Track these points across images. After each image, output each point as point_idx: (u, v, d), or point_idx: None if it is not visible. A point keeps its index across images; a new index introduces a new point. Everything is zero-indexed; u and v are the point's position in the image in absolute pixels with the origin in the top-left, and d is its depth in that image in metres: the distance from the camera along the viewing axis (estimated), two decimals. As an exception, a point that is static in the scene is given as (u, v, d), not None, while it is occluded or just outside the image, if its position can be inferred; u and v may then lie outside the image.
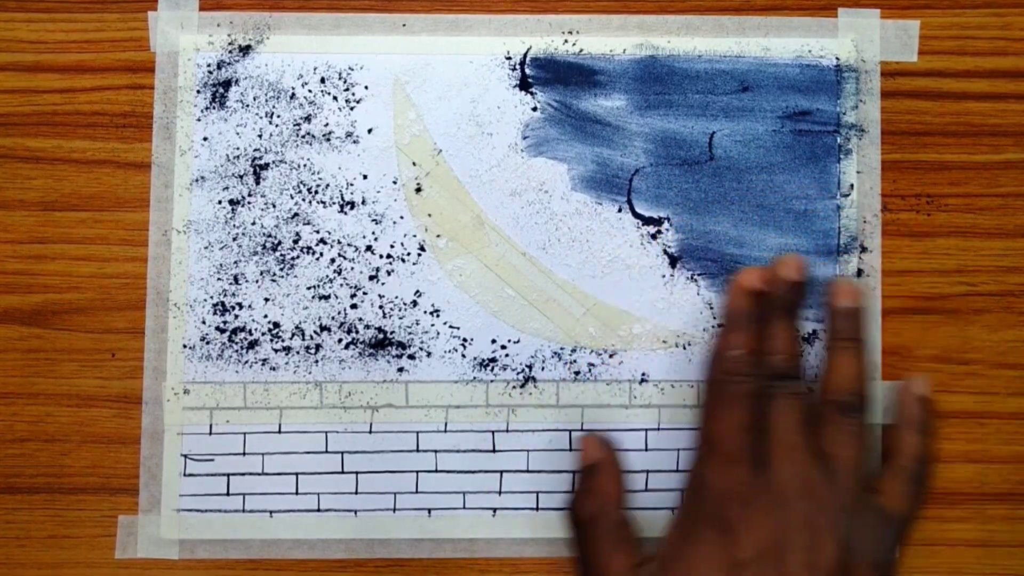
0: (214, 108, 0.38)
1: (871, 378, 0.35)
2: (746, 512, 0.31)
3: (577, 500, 0.35)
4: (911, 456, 0.34)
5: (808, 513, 0.31)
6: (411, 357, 0.37)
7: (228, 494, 0.37)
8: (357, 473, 0.37)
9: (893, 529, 0.33)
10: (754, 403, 0.33)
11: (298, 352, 0.37)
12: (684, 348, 0.38)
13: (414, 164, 0.38)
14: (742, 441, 0.32)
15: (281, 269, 0.38)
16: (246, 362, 0.37)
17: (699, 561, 0.31)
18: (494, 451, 0.37)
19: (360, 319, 0.37)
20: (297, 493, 0.37)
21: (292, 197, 0.38)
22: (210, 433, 0.37)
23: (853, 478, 0.32)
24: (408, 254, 0.38)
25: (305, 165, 0.38)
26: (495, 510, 0.37)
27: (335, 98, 0.38)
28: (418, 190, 0.38)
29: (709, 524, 0.32)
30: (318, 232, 0.38)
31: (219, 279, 0.37)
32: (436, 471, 0.37)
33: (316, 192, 0.38)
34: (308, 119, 0.38)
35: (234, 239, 0.38)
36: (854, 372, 0.34)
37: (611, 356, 0.37)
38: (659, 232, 0.38)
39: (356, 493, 0.37)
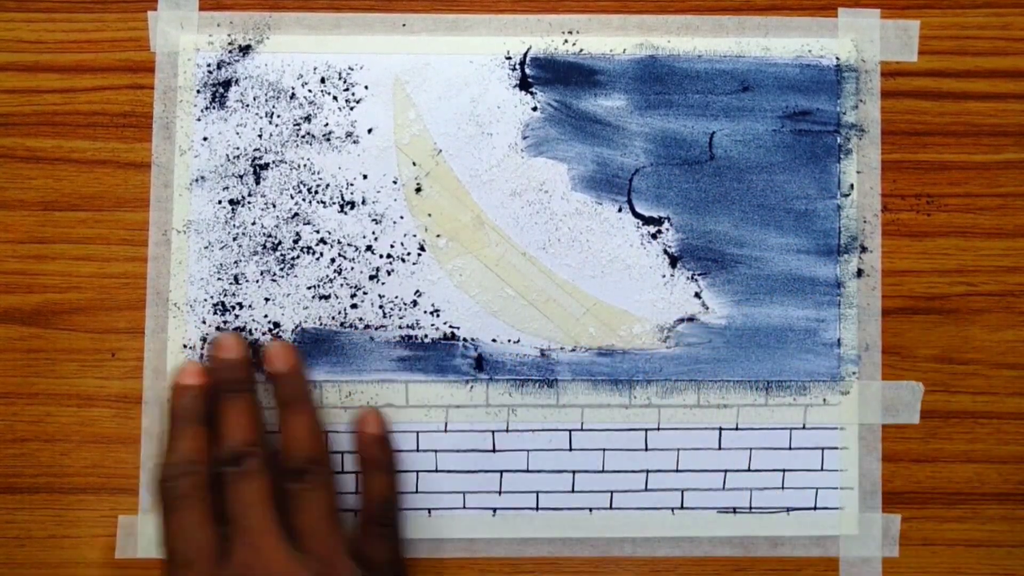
0: (214, 108, 0.38)
1: (324, 434, 0.35)
2: None
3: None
4: (377, 501, 0.34)
5: None
6: (412, 357, 0.37)
7: (228, 494, 0.37)
8: (357, 473, 0.37)
9: (379, 573, 0.33)
10: (206, 498, 0.32)
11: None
12: (683, 348, 0.38)
13: (414, 164, 0.38)
14: (196, 540, 0.31)
15: (281, 269, 0.38)
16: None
17: None
18: (494, 451, 0.37)
19: (360, 319, 0.37)
20: (297, 493, 0.37)
21: (292, 197, 0.38)
22: (210, 433, 0.37)
23: (324, 542, 0.32)
24: (408, 254, 0.38)
25: (305, 165, 0.38)
26: (495, 510, 0.37)
27: (335, 98, 0.38)
28: (418, 190, 0.38)
29: None
30: (318, 232, 0.38)
31: (219, 279, 0.37)
32: (436, 471, 0.37)
33: (316, 192, 0.38)
34: (308, 119, 0.38)
35: (234, 239, 0.38)
36: (303, 434, 0.34)
37: (611, 356, 0.38)
38: (659, 232, 0.38)
39: (356, 493, 0.37)
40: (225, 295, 0.37)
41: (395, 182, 0.38)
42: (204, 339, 0.37)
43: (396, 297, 0.38)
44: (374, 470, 0.35)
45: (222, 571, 0.31)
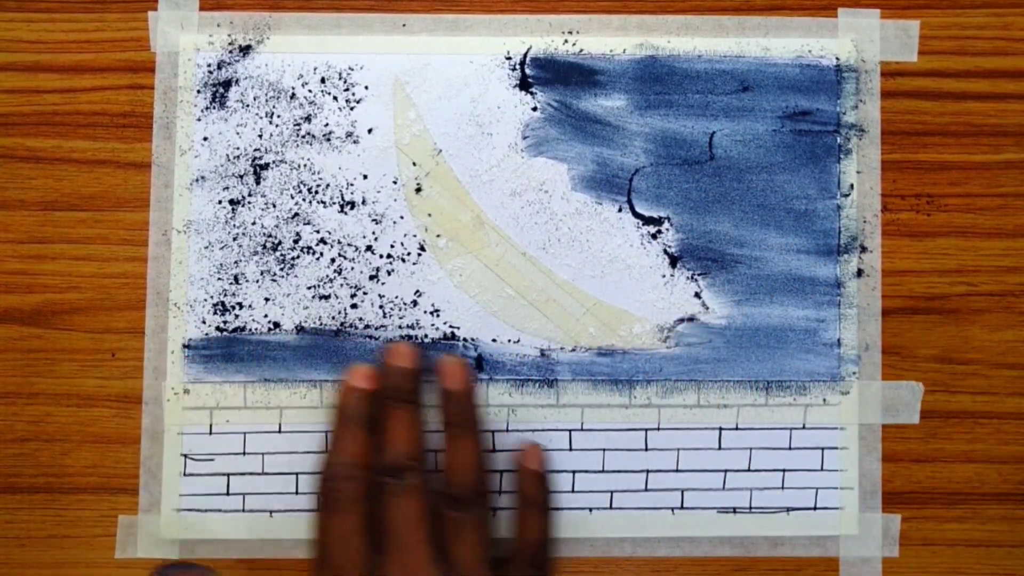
0: (214, 108, 0.38)
1: (487, 462, 0.34)
2: None
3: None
4: (528, 539, 0.34)
5: None
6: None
7: (228, 494, 0.37)
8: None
9: None
10: (365, 506, 0.32)
11: (298, 352, 0.37)
12: (683, 348, 0.38)
13: (414, 164, 0.38)
14: (352, 549, 0.31)
15: (281, 269, 0.38)
16: (246, 362, 0.37)
17: None
18: (494, 451, 0.37)
19: (360, 319, 0.37)
20: (297, 493, 0.37)
21: (292, 197, 0.38)
22: (210, 433, 0.37)
23: (474, 573, 0.32)
24: (408, 254, 0.38)
25: (305, 165, 0.38)
26: (495, 510, 0.37)
27: (335, 98, 0.38)
28: (418, 190, 0.38)
29: None
30: (318, 232, 0.38)
31: (219, 279, 0.37)
32: (436, 471, 0.37)
33: (316, 192, 0.38)
34: (308, 119, 0.38)
35: (234, 239, 0.38)
36: (467, 461, 0.33)
37: (611, 356, 0.38)
38: (659, 232, 0.38)
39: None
40: (225, 295, 0.37)
41: (395, 182, 0.38)
42: (204, 339, 0.37)
43: (396, 297, 0.38)
44: (532, 509, 0.34)
45: None
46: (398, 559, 0.31)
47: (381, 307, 0.38)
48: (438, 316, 0.38)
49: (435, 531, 0.32)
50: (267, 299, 0.37)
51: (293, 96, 0.38)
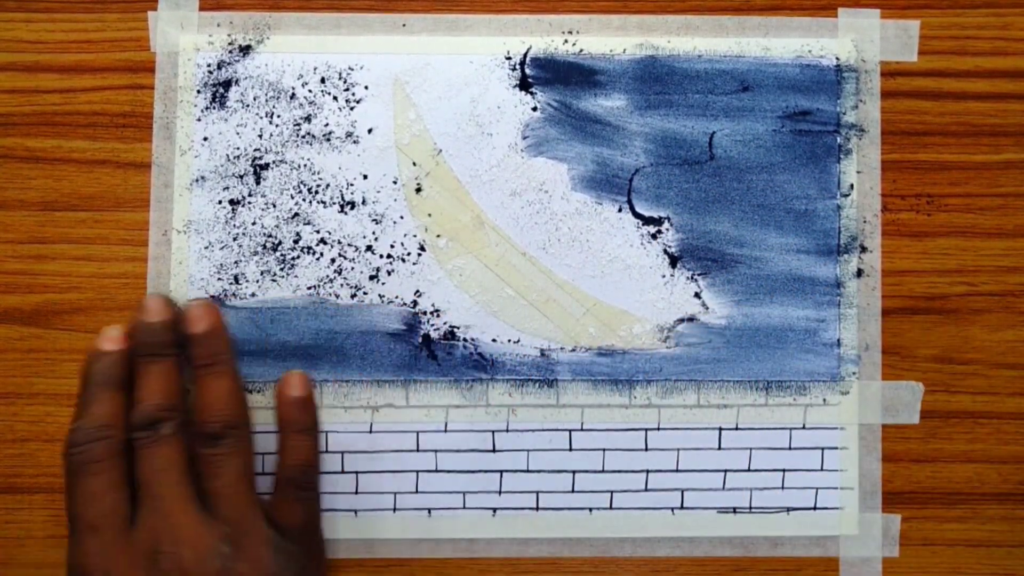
0: (214, 108, 0.38)
1: (242, 396, 0.34)
2: None
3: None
4: (295, 464, 0.34)
5: (178, 557, 0.30)
6: (412, 357, 0.37)
7: (228, 494, 0.37)
8: (357, 473, 0.37)
9: (295, 540, 0.32)
10: (119, 464, 0.31)
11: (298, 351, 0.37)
12: (683, 348, 0.38)
13: (414, 164, 0.38)
14: (104, 506, 0.31)
15: (281, 269, 0.38)
16: (246, 362, 0.37)
17: None
18: (494, 451, 0.37)
19: (360, 319, 0.38)
20: (297, 493, 0.37)
21: (292, 197, 0.38)
22: (210, 433, 0.37)
23: (235, 506, 0.31)
24: (408, 254, 0.38)
25: (305, 165, 0.38)
26: (495, 510, 0.37)
27: (335, 98, 0.38)
28: (418, 190, 0.38)
29: None
30: (318, 232, 0.38)
31: (219, 279, 0.37)
32: (436, 471, 0.37)
33: (316, 192, 0.38)
34: (308, 119, 0.38)
35: (234, 239, 0.38)
36: (218, 397, 0.33)
37: (611, 356, 0.38)
38: (659, 232, 0.38)
39: (356, 493, 0.37)
40: (225, 295, 0.37)
41: (395, 182, 0.38)
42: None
43: (396, 297, 0.38)
44: (294, 432, 0.34)
45: (129, 536, 0.30)
46: (151, 506, 0.31)
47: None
48: (438, 316, 0.38)
49: (197, 476, 0.32)
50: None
51: (293, 96, 0.38)
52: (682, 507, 0.38)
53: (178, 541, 0.30)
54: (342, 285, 0.38)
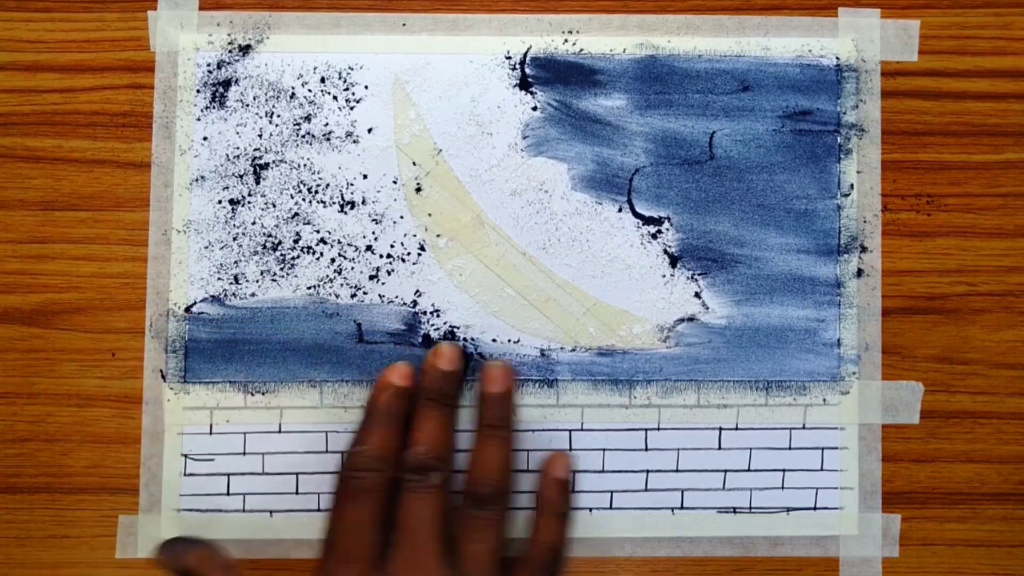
0: (214, 108, 0.38)
1: (514, 465, 0.34)
2: None
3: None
4: (544, 543, 0.34)
5: None
6: (412, 357, 0.37)
7: (228, 494, 0.37)
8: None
9: None
10: (383, 499, 0.32)
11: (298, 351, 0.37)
12: (684, 348, 0.38)
13: (414, 164, 0.38)
14: (363, 539, 0.31)
15: (281, 269, 0.38)
16: (246, 362, 0.37)
17: None
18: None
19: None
20: (297, 493, 0.37)
21: (292, 197, 0.38)
22: (210, 433, 0.37)
23: (483, 572, 0.32)
24: (408, 254, 0.38)
25: (305, 165, 0.38)
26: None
27: (335, 98, 0.38)
28: (418, 190, 0.38)
29: None
30: (318, 232, 0.38)
31: (219, 279, 0.37)
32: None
33: (316, 192, 0.38)
34: (308, 119, 0.38)
35: (234, 239, 0.38)
36: (494, 462, 0.33)
37: (611, 356, 0.38)
38: (659, 232, 0.38)
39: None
40: (225, 295, 0.37)
41: (395, 182, 0.38)
42: (204, 338, 0.37)
43: (396, 297, 0.38)
44: (551, 515, 0.34)
45: (377, 573, 0.31)
46: (405, 552, 0.31)
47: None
48: (438, 316, 0.38)
49: (450, 530, 0.32)
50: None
51: (293, 96, 0.38)
52: (682, 507, 0.38)
53: None
54: (342, 285, 0.38)
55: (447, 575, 0.31)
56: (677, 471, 0.38)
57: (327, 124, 0.38)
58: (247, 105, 0.38)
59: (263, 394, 0.37)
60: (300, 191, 0.38)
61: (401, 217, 0.38)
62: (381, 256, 0.38)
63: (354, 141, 0.38)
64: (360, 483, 0.32)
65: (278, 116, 0.38)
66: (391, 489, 0.32)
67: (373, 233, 0.38)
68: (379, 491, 0.32)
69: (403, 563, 0.31)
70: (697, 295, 0.38)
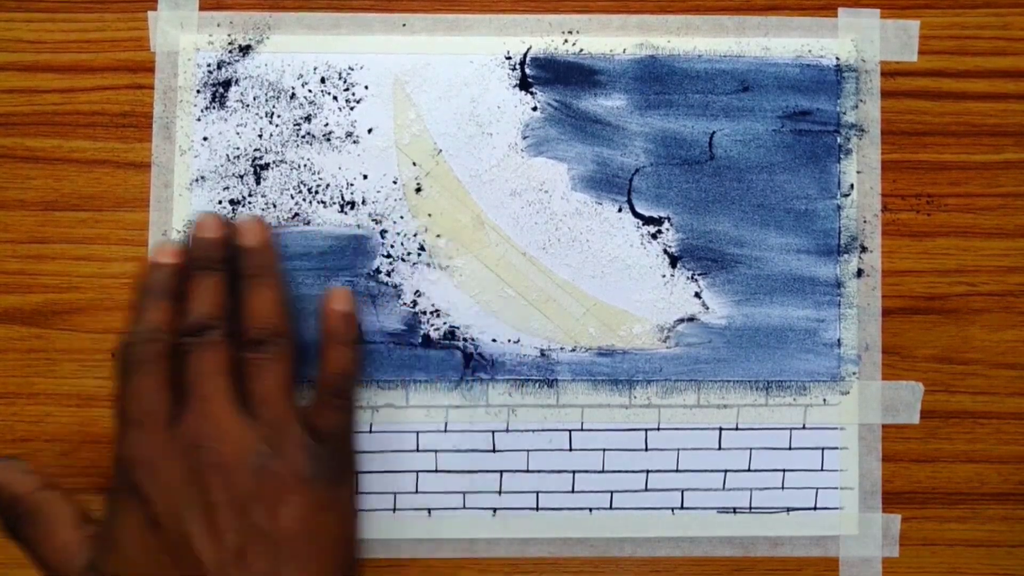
0: (214, 108, 0.38)
1: (288, 306, 0.35)
2: (152, 471, 0.31)
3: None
4: (333, 371, 0.34)
5: (218, 452, 0.31)
6: (412, 357, 0.37)
7: (228, 494, 0.37)
8: (357, 473, 0.37)
9: (328, 446, 0.33)
10: (166, 367, 0.32)
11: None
12: (684, 348, 0.38)
13: (414, 164, 0.38)
14: (150, 405, 0.32)
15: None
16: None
17: (120, 529, 0.31)
18: (494, 451, 0.37)
19: (360, 319, 0.37)
20: (297, 493, 0.37)
21: (292, 197, 0.38)
22: (210, 433, 0.37)
23: (275, 409, 0.32)
24: (408, 254, 0.38)
25: (305, 165, 0.38)
26: (495, 510, 0.37)
27: (335, 98, 0.38)
28: (418, 190, 0.38)
29: (123, 494, 0.31)
30: (318, 232, 0.38)
31: (219, 279, 0.37)
32: (436, 471, 0.37)
33: (316, 192, 0.38)
34: (308, 119, 0.38)
35: (234, 239, 0.38)
36: (264, 306, 0.34)
37: (611, 356, 0.38)
38: (659, 232, 0.38)
39: (356, 493, 0.37)
40: (225, 295, 0.37)
41: (395, 182, 0.38)
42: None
43: (396, 297, 0.38)
44: (336, 343, 0.35)
45: (171, 433, 0.31)
46: (196, 407, 0.31)
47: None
48: (438, 316, 0.38)
49: (239, 383, 0.33)
50: (267, 299, 0.37)
51: (293, 96, 0.38)
52: (682, 507, 0.38)
53: (219, 438, 0.31)
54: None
55: (237, 417, 0.32)
56: (677, 471, 0.38)
57: (327, 124, 0.38)
58: (247, 105, 0.38)
59: (263, 394, 0.37)
60: (300, 191, 0.38)
61: (401, 217, 0.38)
62: (381, 256, 0.38)
63: (354, 141, 0.38)
64: (136, 356, 0.32)
65: (278, 116, 0.38)
66: (174, 360, 0.32)
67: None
68: (157, 360, 0.32)
69: (196, 417, 0.31)
70: (697, 295, 0.38)
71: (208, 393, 0.32)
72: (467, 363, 0.37)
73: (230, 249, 0.35)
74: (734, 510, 0.38)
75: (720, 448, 0.38)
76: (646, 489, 0.37)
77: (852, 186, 0.38)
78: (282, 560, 0.30)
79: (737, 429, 0.38)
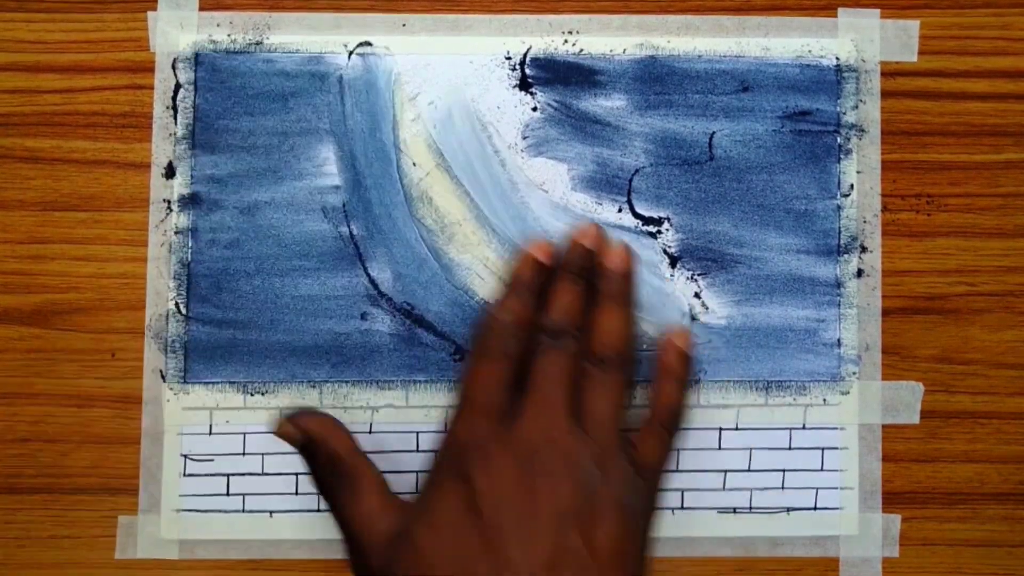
0: (214, 108, 0.38)
1: (635, 337, 0.35)
2: (486, 461, 0.31)
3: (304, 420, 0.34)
4: (664, 405, 0.34)
5: (551, 461, 0.31)
6: (412, 357, 0.37)
7: (228, 494, 0.37)
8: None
9: (644, 478, 0.33)
10: (517, 365, 0.33)
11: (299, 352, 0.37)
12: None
13: (414, 164, 0.38)
14: (496, 396, 0.32)
15: (281, 269, 0.38)
16: (246, 362, 0.37)
17: (439, 505, 0.31)
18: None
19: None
20: (297, 493, 0.37)
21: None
22: (210, 433, 0.37)
23: (605, 431, 0.32)
24: (408, 254, 0.38)
25: (305, 165, 0.38)
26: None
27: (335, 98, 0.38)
28: (418, 190, 0.38)
29: (450, 473, 0.32)
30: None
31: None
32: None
33: (316, 192, 0.38)
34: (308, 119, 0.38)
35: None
36: (616, 329, 0.34)
37: (611, 356, 0.37)
38: (659, 232, 0.38)
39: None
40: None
41: (395, 182, 0.38)
42: (204, 339, 0.37)
43: (396, 297, 0.38)
44: (671, 378, 0.35)
45: (506, 428, 0.32)
46: (534, 408, 0.32)
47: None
48: (438, 316, 0.37)
49: (578, 394, 0.33)
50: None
51: (293, 95, 0.38)
52: (682, 507, 0.38)
53: (554, 446, 0.31)
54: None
55: (573, 430, 0.32)
56: (677, 471, 0.38)
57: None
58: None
59: (263, 394, 0.37)
60: (300, 191, 0.38)
61: (401, 217, 0.38)
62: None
63: (354, 141, 0.38)
64: (499, 344, 0.33)
65: (278, 116, 0.38)
66: (524, 359, 0.33)
67: (373, 233, 0.38)
68: (513, 357, 0.33)
69: (532, 417, 0.32)
70: (697, 295, 0.38)
71: (551, 399, 0.32)
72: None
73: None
74: (734, 510, 0.38)
75: (720, 448, 0.38)
76: (646, 489, 0.37)
77: (852, 186, 0.38)
78: None
79: (737, 429, 0.38)
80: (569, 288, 0.34)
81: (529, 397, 0.32)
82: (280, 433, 0.34)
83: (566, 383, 0.33)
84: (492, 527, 0.30)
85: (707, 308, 0.38)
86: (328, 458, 0.33)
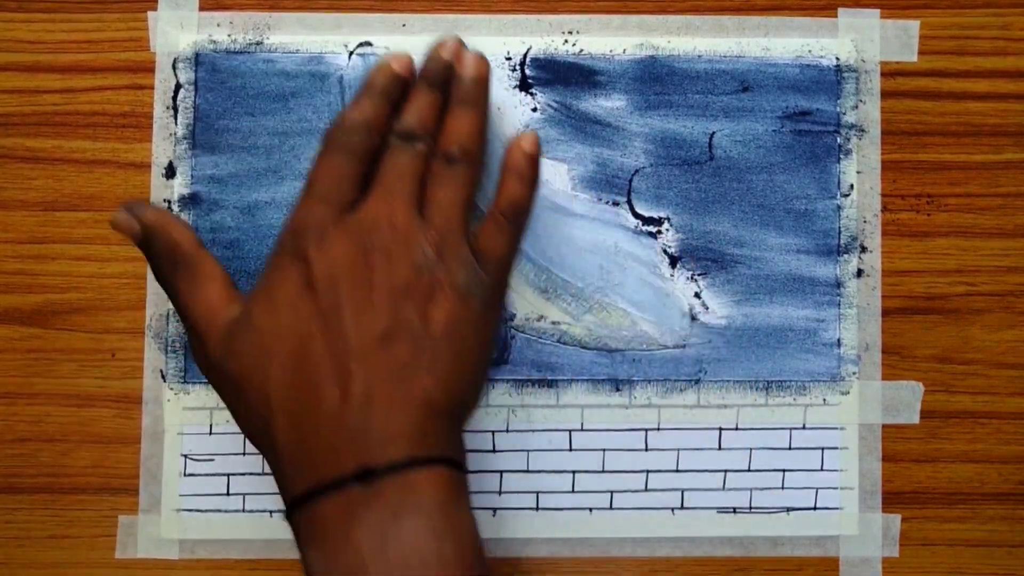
0: (214, 108, 0.38)
1: (484, 139, 0.35)
2: (324, 242, 0.31)
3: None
4: (506, 199, 0.34)
5: (390, 243, 0.31)
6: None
7: (228, 494, 0.37)
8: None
9: (487, 270, 0.33)
10: (366, 161, 0.33)
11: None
12: (684, 348, 0.38)
13: (414, 164, 0.38)
14: (338, 186, 0.32)
15: (281, 269, 0.37)
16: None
17: (277, 286, 0.31)
18: (494, 451, 0.37)
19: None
20: (297, 493, 0.37)
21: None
22: (210, 433, 0.37)
23: (447, 219, 0.32)
24: (408, 254, 0.38)
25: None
26: (495, 510, 0.37)
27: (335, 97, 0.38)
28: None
29: (288, 255, 0.32)
30: (318, 232, 0.38)
31: (219, 279, 0.37)
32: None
33: (316, 192, 0.38)
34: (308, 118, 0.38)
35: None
36: (466, 128, 0.34)
37: (611, 356, 0.37)
38: (659, 232, 0.38)
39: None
40: (225, 295, 0.37)
41: (395, 182, 0.38)
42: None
43: (396, 297, 0.38)
44: (516, 176, 0.34)
45: (349, 215, 0.32)
46: (381, 197, 0.32)
47: (381, 307, 0.38)
48: (438, 316, 0.37)
49: (424, 190, 0.33)
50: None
51: (293, 95, 0.38)
52: (682, 507, 0.38)
53: (393, 229, 0.31)
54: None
55: (414, 217, 0.32)
56: (677, 471, 0.38)
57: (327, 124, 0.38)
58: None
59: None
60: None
61: (401, 217, 0.38)
62: (381, 256, 0.38)
63: (354, 141, 0.38)
64: (345, 139, 0.33)
65: (278, 116, 0.38)
66: (374, 157, 0.33)
67: (373, 233, 0.38)
68: (359, 153, 0.33)
69: (374, 204, 0.32)
70: (697, 295, 0.38)
71: (394, 188, 0.32)
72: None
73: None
74: (734, 510, 0.38)
75: (720, 448, 0.38)
76: (646, 489, 0.37)
77: (852, 186, 0.38)
78: (423, 356, 0.30)
79: (737, 429, 0.38)
80: (424, 95, 0.34)
81: (374, 189, 0.32)
82: (116, 224, 0.33)
83: (413, 178, 0.33)
84: (328, 303, 0.30)
85: (707, 308, 0.38)
86: (167, 247, 0.32)
